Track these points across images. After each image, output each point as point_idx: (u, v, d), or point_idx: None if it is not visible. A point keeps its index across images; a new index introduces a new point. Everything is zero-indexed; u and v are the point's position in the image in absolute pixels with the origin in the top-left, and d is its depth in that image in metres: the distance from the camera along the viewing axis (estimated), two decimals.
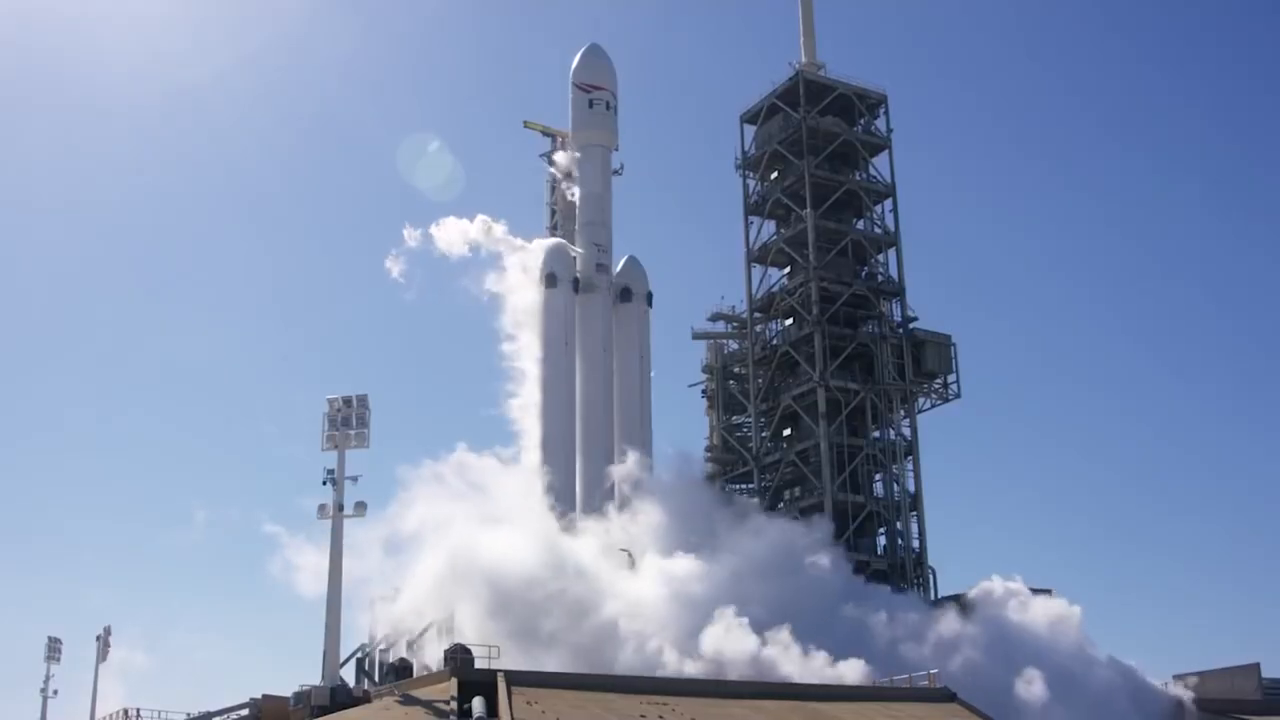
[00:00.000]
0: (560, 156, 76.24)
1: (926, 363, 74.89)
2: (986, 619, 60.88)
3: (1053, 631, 60.88)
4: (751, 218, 79.56)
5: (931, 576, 71.02)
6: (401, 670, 51.57)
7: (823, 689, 46.31)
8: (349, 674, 53.60)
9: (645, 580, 57.10)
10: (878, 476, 73.89)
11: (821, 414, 71.31)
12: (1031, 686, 53.37)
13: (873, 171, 78.85)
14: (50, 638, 64.98)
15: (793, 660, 51.17)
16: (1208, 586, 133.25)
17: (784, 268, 78.56)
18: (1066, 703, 53.66)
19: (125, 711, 52.46)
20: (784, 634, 51.87)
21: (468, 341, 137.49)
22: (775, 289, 77.65)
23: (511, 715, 36.82)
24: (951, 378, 76.08)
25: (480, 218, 69.74)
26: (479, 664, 42.61)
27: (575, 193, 73.36)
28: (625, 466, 64.63)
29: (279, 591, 56.17)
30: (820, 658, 51.38)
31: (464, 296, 71.52)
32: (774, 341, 77.26)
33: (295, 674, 66.92)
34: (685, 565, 57.13)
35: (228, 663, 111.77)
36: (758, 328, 78.27)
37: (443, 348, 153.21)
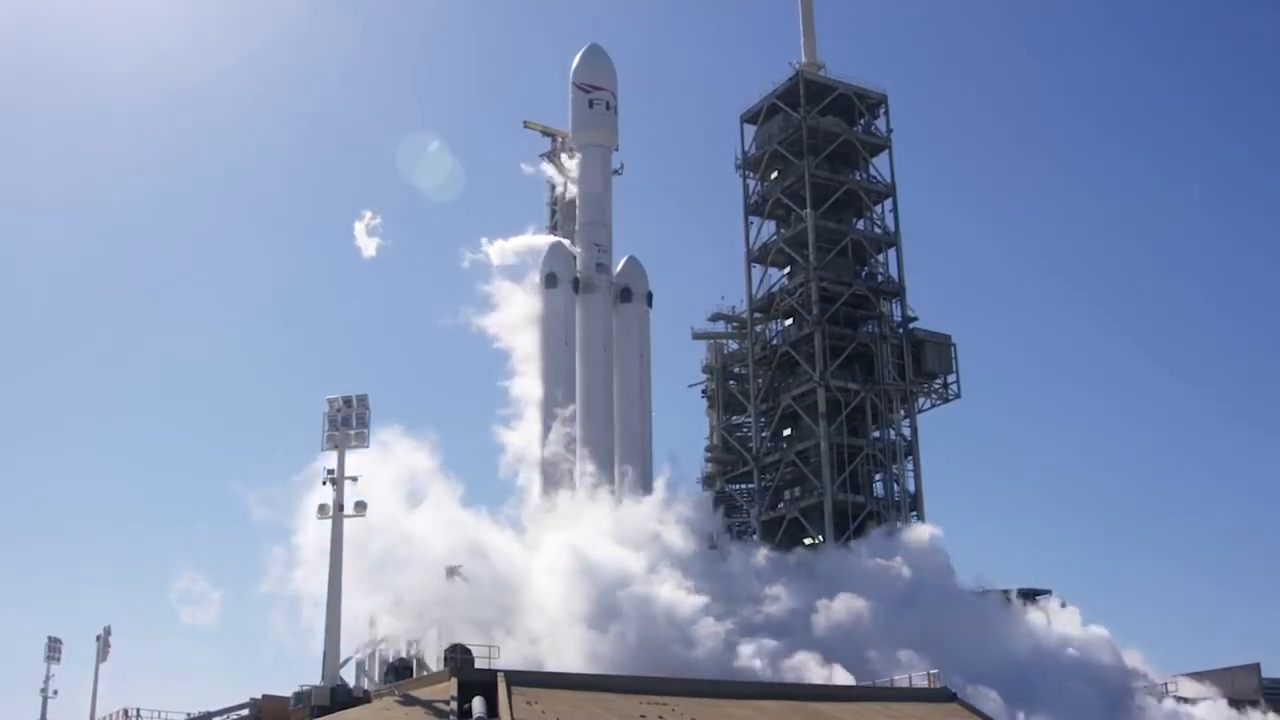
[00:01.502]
0: (560, 156, 76.23)
1: (926, 363, 74.95)
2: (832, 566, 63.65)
3: (917, 566, 62.56)
4: (751, 218, 79.65)
5: None
6: (401, 670, 51.55)
7: (823, 689, 46.40)
8: (349, 674, 53.55)
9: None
10: (878, 476, 73.96)
11: (821, 414, 71.33)
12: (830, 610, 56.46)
13: (873, 171, 78.92)
14: (50, 638, 64.80)
15: None
16: (1208, 586, 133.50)
17: (784, 268, 78.59)
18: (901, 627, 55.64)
19: (125, 711, 52.39)
20: None
21: (467, 341, 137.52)
22: (775, 289, 77.70)
23: (511, 715, 36.79)
24: (951, 378, 76.22)
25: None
26: (479, 664, 42.62)
27: (575, 192, 73.32)
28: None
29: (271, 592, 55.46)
30: None
31: (464, 295, 71.44)
32: (774, 341, 77.29)
33: (295, 674, 66.88)
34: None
35: (228, 663, 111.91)
36: (758, 328, 78.30)
37: (442, 347, 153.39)
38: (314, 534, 51.89)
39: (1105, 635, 64.35)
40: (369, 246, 67.11)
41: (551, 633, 52.74)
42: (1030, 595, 70.88)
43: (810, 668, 51.66)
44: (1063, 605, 67.64)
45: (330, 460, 46.80)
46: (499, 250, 70.28)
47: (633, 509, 60.29)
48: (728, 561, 62.28)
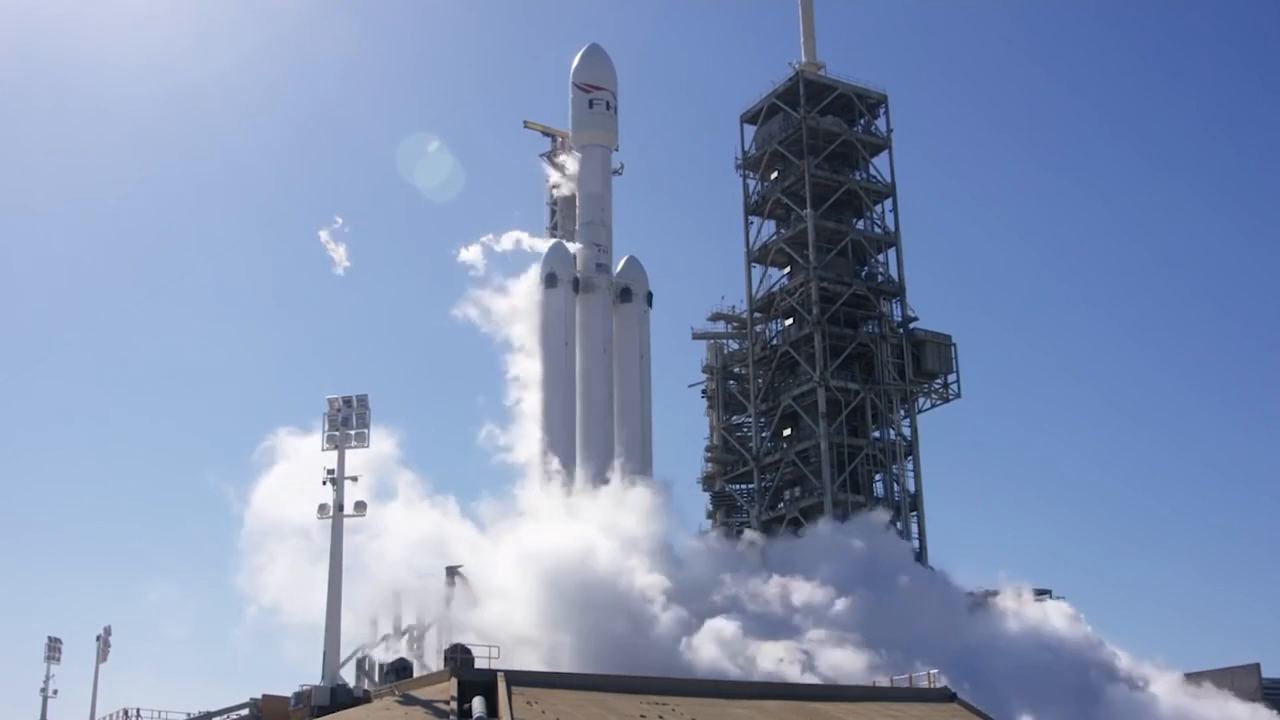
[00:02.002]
0: (560, 156, 76.22)
1: (926, 363, 75.01)
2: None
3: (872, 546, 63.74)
4: (751, 218, 79.68)
5: None
6: (401, 670, 51.49)
7: (823, 689, 46.35)
8: (349, 674, 53.53)
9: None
10: (878, 476, 73.98)
11: (821, 414, 71.33)
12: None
13: (873, 171, 78.96)
14: (50, 638, 64.81)
15: None
16: (1208, 586, 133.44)
17: (784, 268, 78.64)
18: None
19: (125, 711, 52.38)
20: None
21: (467, 341, 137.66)
22: (775, 289, 77.73)
23: (511, 715, 36.75)
24: (951, 378, 76.30)
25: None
26: (479, 664, 42.58)
27: (575, 192, 73.30)
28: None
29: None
30: None
31: (464, 296, 71.39)
32: (774, 341, 77.30)
33: (295, 674, 66.92)
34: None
35: (228, 663, 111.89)
36: (758, 328, 78.32)
37: (442, 347, 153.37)
38: (258, 525, 52.76)
39: (1067, 610, 65.44)
40: (340, 255, 66.67)
41: (509, 625, 52.61)
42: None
43: (762, 651, 52.48)
44: (1018, 591, 68.20)
45: (316, 458, 47.07)
46: (482, 251, 70.37)
47: (591, 501, 60.48)
48: (679, 550, 62.84)
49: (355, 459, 47.20)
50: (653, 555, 58.18)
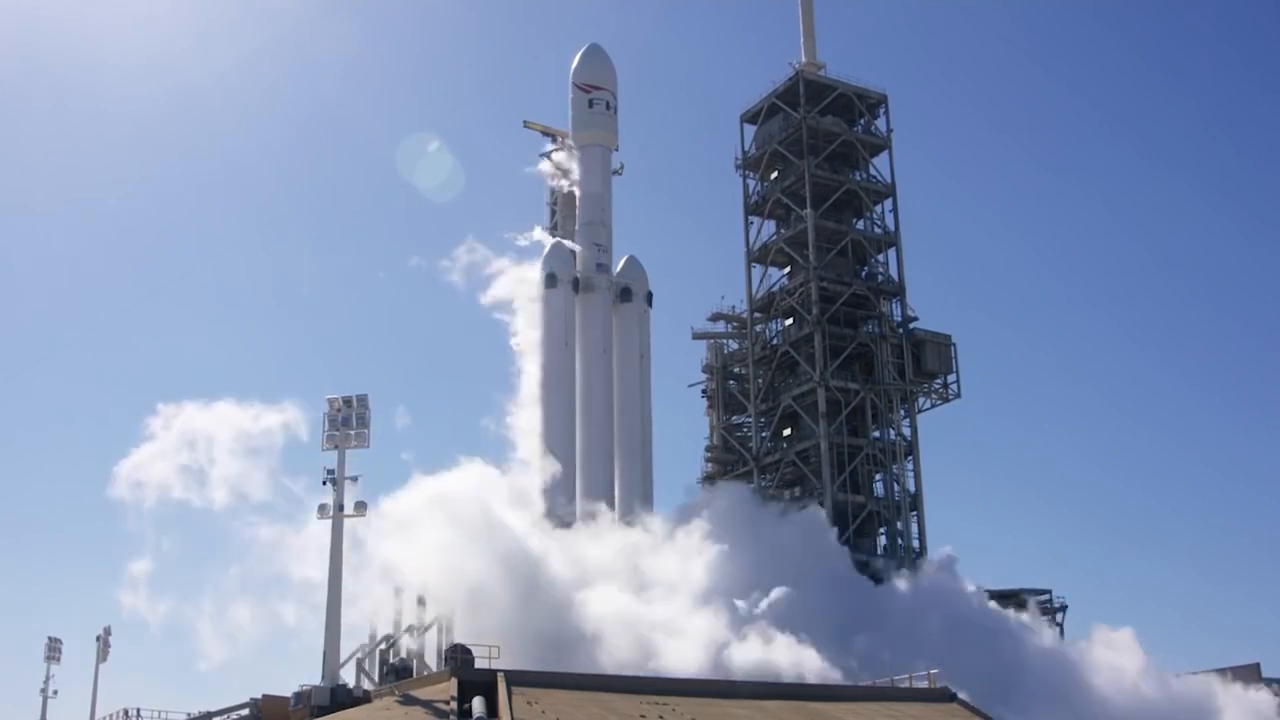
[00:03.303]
0: (560, 156, 76.19)
1: (926, 363, 75.00)
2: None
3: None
4: (751, 218, 79.65)
5: None
6: (401, 670, 51.45)
7: (823, 689, 46.37)
8: (349, 674, 53.45)
9: None
10: (878, 476, 73.93)
11: (821, 414, 71.31)
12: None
13: (873, 171, 78.94)
14: (50, 638, 64.88)
15: None
16: (1208, 586, 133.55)
17: (784, 267, 78.61)
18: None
19: (125, 711, 52.38)
20: None
21: (467, 341, 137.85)
22: (775, 289, 77.69)
23: (511, 715, 36.74)
24: (951, 378, 76.29)
25: None
26: (479, 664, 42.56)
27: (575, 192, 73.29)
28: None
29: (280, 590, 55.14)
30: None
31: (464, 296, 71.46)
32: (774, 341, 77.27)
33: (295, 674, 66.93)
34: None
35: (227, 663, 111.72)
36: (758, 328, 78.29)
37: (442, 347, 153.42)
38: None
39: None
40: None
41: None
42: (1025, 596, 71.04)
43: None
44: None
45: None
46: (481, 252, 70.50)
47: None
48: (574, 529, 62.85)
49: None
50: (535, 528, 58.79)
